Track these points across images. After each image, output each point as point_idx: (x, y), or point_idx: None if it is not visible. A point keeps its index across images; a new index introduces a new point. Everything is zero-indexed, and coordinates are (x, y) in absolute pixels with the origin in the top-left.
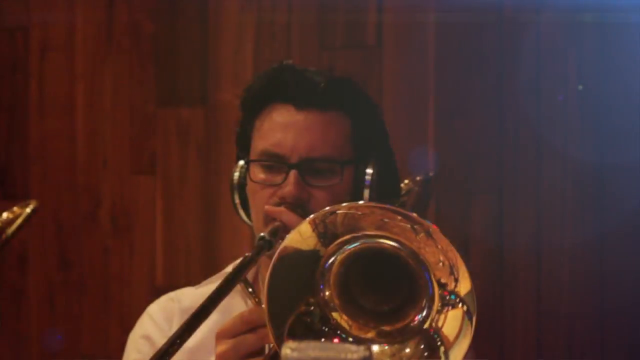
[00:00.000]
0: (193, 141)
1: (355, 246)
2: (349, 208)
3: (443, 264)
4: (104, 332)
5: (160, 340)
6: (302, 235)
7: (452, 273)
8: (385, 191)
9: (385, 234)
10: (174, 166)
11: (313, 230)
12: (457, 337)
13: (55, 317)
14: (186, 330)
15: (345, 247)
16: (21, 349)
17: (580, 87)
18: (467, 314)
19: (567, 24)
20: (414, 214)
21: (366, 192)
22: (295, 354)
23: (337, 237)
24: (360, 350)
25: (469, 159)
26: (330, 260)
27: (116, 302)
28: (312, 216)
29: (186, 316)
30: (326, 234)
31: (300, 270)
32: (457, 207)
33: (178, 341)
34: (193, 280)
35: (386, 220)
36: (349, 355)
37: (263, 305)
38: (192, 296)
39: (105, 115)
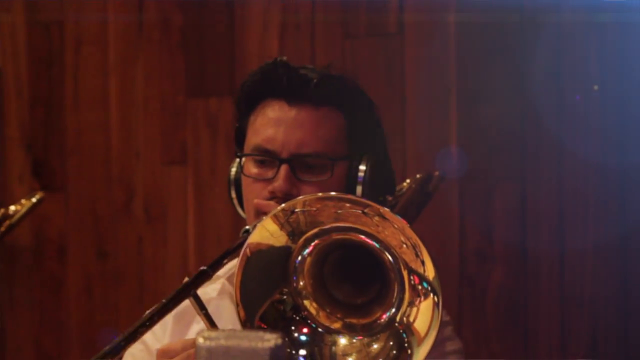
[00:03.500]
0: (222, 131)
1: (324, 239)
2: (303, 205)
3: (406, 245)
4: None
5: (154, 344)
6: (272, 234)
7: (417, 255)
8: (379, 187)
9: (349, 225)
10: (204, 156)
11: (281, 229)
12: (427, 331)
13: (93, 306)
14: (163, 309)
15: (314, 240)
16: (62, 338)
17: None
18: (436, 305)
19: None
20: (359, 198)
21: (359, 188)
22: (207, 343)
23: (303, 233)
24: (273, 338)
25: (491, 146)
26: (303, 254)
27: (151, 291)
28: (272, 213)
29: (179, 320)
30: (294, 232)
31: (273, 264)
32: (480, 195)
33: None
34: None
35: (340, 210)
36: (260, 344)
37: (234, 294)
38: (186, 301)
39: (137, 107)
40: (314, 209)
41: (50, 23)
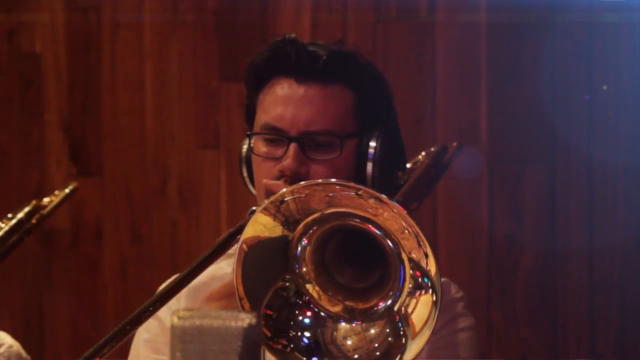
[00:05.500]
0: None
1: (323, 225)
2: (292, 193)
3: (408, 231)
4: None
5: (167, 317)
6: (266, 226)
7: (420, 245)
8: (390, 164)
9: (346, 210)
10: (237, 140)
11: (274, 220)
12: (422, 327)
13: (128, 288)
14: (176, 287)
15: (313, 227)
16: (98, 319)
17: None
18: (435, 303)
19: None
20: (347, 182)
21: (369, 165)
22: (181, 322)
23: (299, 221)
24: (247, 318)
25: (521, 127)
26: (302, 241)
27: None
28: (262, 206)
29: (193, 294)
30: (288, 221)
31: (272, 254)
32: (509, 179)
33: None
34: None
35: (331, 194)
36: (233, 323)
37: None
38: (199, 276)
39: (172, 91)
40: (303, 195)
41: (87, 7)
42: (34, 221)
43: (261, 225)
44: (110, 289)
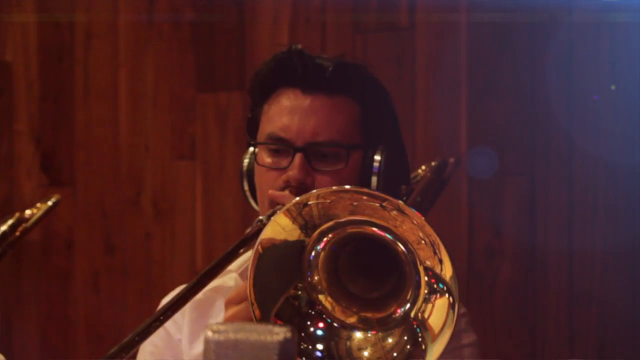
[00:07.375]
0: (231, 126)
1: (339, 233)
2: (317, 197)
3: (425, 241)
4: (147, 316)
5: (173, 330)
6: (284, 228)
7: (435, 253)
8: (394, 178)
9: (365, 219)
10: (213, 151)
11: (293, 223)
12: (442, 329)
13: (100, 301)
14: (183, 298)
15: (329, 234)
16: (68, 332)
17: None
18: (452, 305)
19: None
20: (376, 192)
21: (374, 179)
22: (216, 336)
23: (317, 226)
24: (282, 332)
25: (501, 139)
26: (317, 248)
27: (158, 287)
28: (285, 207)
29: (197, 308)
30: (307, 225)
31: (286, 259)
32: (489, 190)
33: (177, 305)
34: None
35: (355, 203)
36: (269, 337)
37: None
38: (202, 290)
39: (147, 101)
40: (328, 201)
41: (60, 17)
42: (17, 234)
43: (280, 227)
44: (81, 301)
